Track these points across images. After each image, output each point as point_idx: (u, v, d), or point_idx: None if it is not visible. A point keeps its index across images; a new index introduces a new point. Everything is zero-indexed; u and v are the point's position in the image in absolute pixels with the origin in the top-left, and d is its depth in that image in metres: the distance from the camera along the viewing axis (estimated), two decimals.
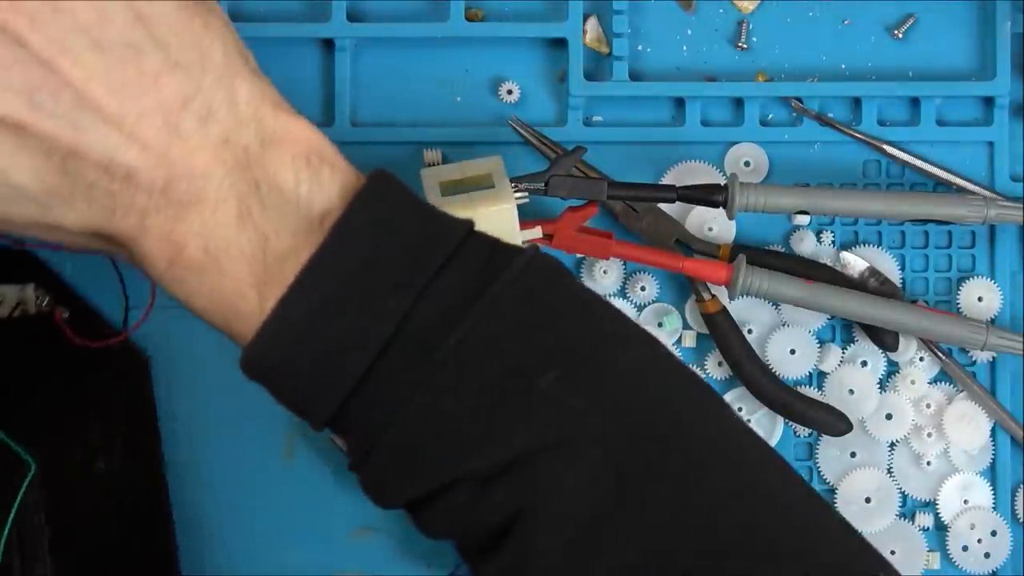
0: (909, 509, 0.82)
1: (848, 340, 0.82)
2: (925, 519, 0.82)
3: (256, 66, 0.57)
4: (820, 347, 0.82)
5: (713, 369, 0.81)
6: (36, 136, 0.52)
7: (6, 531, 0.74)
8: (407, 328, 0.54)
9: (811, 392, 0.81)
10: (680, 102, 0.82)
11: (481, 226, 0.73)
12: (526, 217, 0.75)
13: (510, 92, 0.82)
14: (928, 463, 0.82)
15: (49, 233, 0.56)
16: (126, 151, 0.53)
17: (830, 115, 0.82)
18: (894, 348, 0.81)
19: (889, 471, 0.82)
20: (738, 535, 0.56)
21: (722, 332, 0.80)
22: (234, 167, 0.54)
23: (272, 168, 0.54)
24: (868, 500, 0.81)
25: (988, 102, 0.82)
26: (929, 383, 0.82)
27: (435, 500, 0.56)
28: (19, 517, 0.74)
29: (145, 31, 0.52)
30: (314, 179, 0.55)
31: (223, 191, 0.54)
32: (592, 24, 0.82)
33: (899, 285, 0.82)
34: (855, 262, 0.82)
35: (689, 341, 0.82)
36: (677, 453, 0.56)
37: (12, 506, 0.74)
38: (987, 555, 0.82)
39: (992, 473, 0.82)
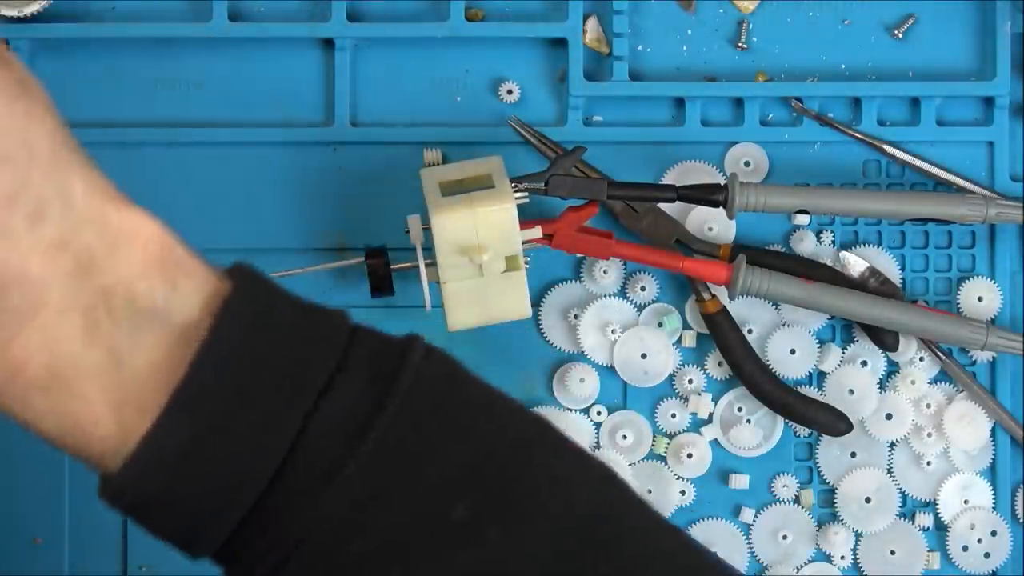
0: (909, 509, 0.82)
1: (848, 340, 0.82)
2: (925, 519, 0.82)
3: (87, 158, 0.50)
4: (820, 347, 0.82)
5: (713, 369, 0.81)
6: None
7: None
8: (298, 455, 0.49)
9: (811, 392, 0.81)
10: (680, 102, 0.82)
11: (481, 226, 0.73)
12: (526, 217, 0.75)
13: (510, 92, 0.82)
14: (928, 463, 0.82)
15: None
16: None
17: (830, 115, 0.82)
18: (894, 348, 0.81)
19: (889, 471, 0.82)
20: None
21: (722, 332, 0.80)
22: (75, 273, 0.48)
23: (123, 273, 0.49)
24: (868, 500, 0.81)
25: (988, 102, 0.82)
26: (929, 383, 0.82)
27: None
28: None
29: None
30: (170, 288, 0.50)
31: (65, 301, 0.48)
32: (592, 24, 0.82)
33: (899, 285, 0.82)
34: (855, 262, 0.82)
35: (689, 341, 0.82)
36: (610, 567, 0.51)
37: None
38: (987, 555, 0.82)
39: (992, 473, 0.82)
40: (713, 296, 0.80)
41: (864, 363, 0.82)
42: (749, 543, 0.82)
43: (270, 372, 0.50)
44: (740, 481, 0.81)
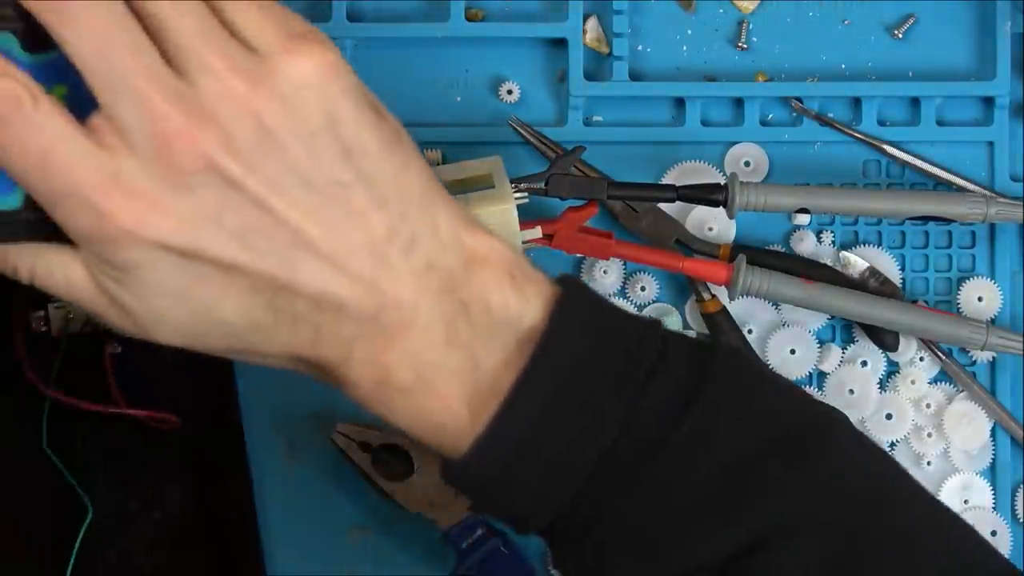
0: None
1: (848, 340, 0.82)
2: None
3: (445, 190, 0.57)
4: (820, 347, 0.82)
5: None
6: (248, 275, 0.52)
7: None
8: (628, 431, 0.55)
9: (811, 392, 0.81)
10: (680, 102, 0.82)
11: None
12: (526, 217, 0.75)
13: (510, 92, 0.82)
14: (928, 463, 0.82)
15: (243, 356, 0.56)
16: (337, 285, 0.53)
17: (830, 115, 0.82)
18: (894, 348, 0.81)
19: None
20: None
21: (722, 332, 0.80)
22: (440, 291, 0.54)
23: (478, 288, 0.55)
24: None
25: (988, 102, 0.82)
26: (929, 383, 0.82)
27: None
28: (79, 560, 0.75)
29: (352, 168, 0.53)
30: (520, 295, 0.55)
31: (431, 315, 0.54)
32: (592, 24, 0.82)
33: (899, 285, 0.82)
34: (855, 262, 0.82)
35: None
36: (899, 533, 0.58)
37: (73, 548, 0.76)
38: None
39: (992, 473, 0.82)
40: (713, 296, 0.80)
41: (864, 363, 0.82)
42: None
43: (600, 363, 0.55)
44: None
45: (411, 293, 0.54)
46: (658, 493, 0.55)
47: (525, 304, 0.55)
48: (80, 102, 0.51)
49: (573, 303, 0.56)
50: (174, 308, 0.53)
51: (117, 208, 0.50)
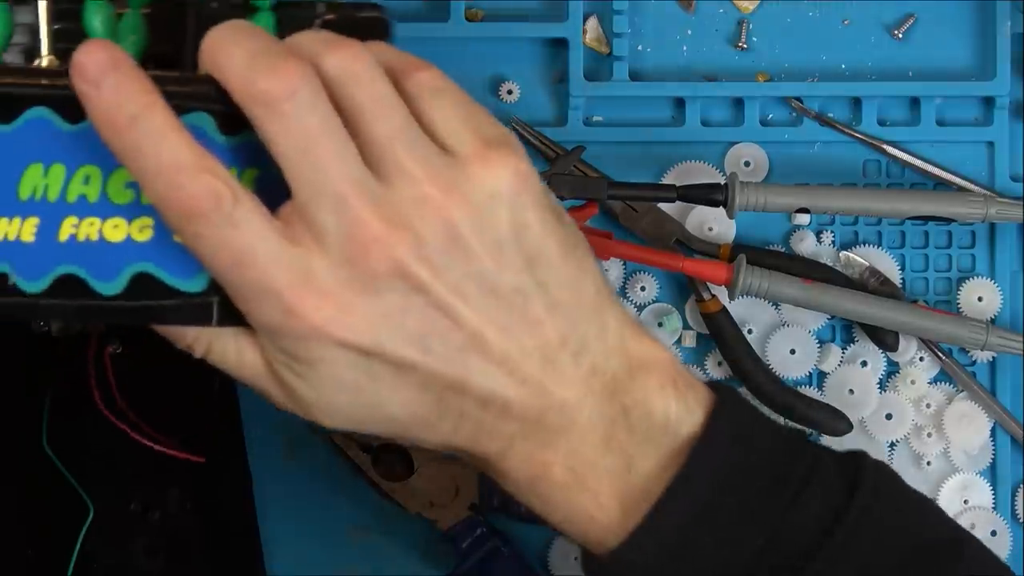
0: None
1: (848, 340, 0.82)
2: None
3: (614, 291, 0.58)
4: (820, 347, 0.82)
5: (713, 369, 0.81)
6: (421, 374, 0.53)
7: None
8: (774, 544, 0.55)
9: (811, 392, 0.81)
10: (680, 102, 0.82)
11: None
12: None
13: (510, 92, 0.82)
14: (928, 463, 0.82)
15: (405, 441, 0.57)
16: (506, 387, 0.53)
17: (830, 115, 0.82)
18: (894, 348, 0.81)
19: None
20: None
21: (722, 332, 0.80)
22: (602, 394, 0.55)
23: (640, 394, 0.55)
24: None
25: (988, 102, 0.82)
26: (929, 383, 0.82)
27: None
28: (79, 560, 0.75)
29: (532, 276, 0.53)
30: (681, 403, 0.56)
31: (593, 418, 0.55)
32: (592, 24, 0.82)
33: (899, 285, 0.82)
34: (855, 262, 0.82)
35: (689, 341, 0.82)
36: None
37: (74, 547, 0.76)
38: None
39: (992, 473, 0.82)
40: (713, 296, 0.80)
41: (864, 363, 0.82)
42: None
43: (752, 472, 0.56)
44: None
45: (576, 396, 0.54)
46: None
47: (686, 412, 0.56)
48: (270, 185, 0.51)
49: (729, 411, 0.56)
50: (346, 400, 0.53)
51: (308, 307, 0.51)
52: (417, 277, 0.51)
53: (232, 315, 0.52)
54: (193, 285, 0.52)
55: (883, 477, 0.58)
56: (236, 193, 0.50)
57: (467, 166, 0.52)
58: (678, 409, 0.56)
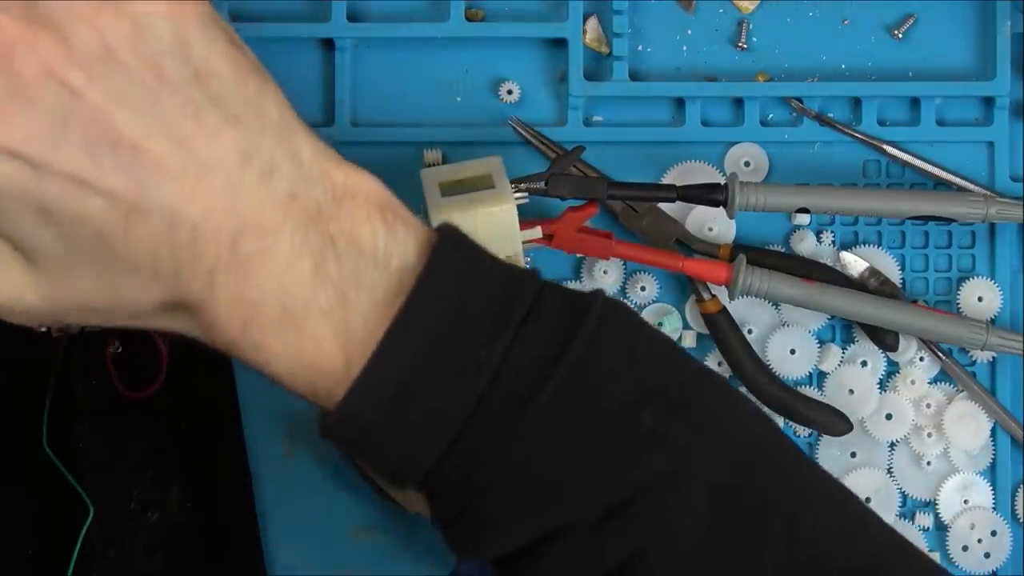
0: (909, 509, 0.82)
1: (848, 340, 0.82)
2: (925, 519, 0.82)
3: (306, 125, 0.56)
4: (820, 347, 0.82)
5: (713, 369, 0.81)
6: (97, 191, 0.51)
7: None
8: (501, 380, 0.54)
9: (811, 392, 0.81)
10: (680, 102, 0.82)
11: (481, 226, 0.73)
12: (526, 217, 0.75)
13: (510, 92, 0.82)
14: (928, 463, 0.82)
15: (118, 315, 0.55)
16: (188, 203, 0.52)
17: (830, 115, 0.82)
18: (894, 348, 0.81)
19: (889, 471, 0.82)
20: (849, 568, 0.56)
21: (722, 332, 0.80)
22: (305, 222, 0.53)
23: (347, 223, 0.54)
24: (868, 500, 0.81)
25: (988, 102, 0.82)
26: (929, 383, 0.82)
27: (539, 551, 0.55)
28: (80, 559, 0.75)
29: (201, 90, 0.52)
30: (390, 234, 0.54)
31: (295, 246, 0.53)
32: (592, 24, 0.82)
33: (899, 285, 0.82)
34: (855, 262, 0.82)
35: (689, 341, 0.82)
36: (779, 487, 0.57)
37: (74, 547, 0.76)
38: (987, 555, 0.82)
39: (992, 473, 0.82)
40: (713, 296, 0.80)
41: (864, 363, 0.82)
42: None
43: (475, 308, 0.54)
44: None
45: (271, 220, 0.53)
46: (532, 444, 0.54)
47: (396, 243, 0.54)
48: None
49: (449, 248, 0.55)
50: (59, 247, 0.53)
51: None
52: (69, 82, 0.51)
53: None
54: None
55: (610, 314, 0.56)
56: None
57: None
58: (387, 240, 0.54)
